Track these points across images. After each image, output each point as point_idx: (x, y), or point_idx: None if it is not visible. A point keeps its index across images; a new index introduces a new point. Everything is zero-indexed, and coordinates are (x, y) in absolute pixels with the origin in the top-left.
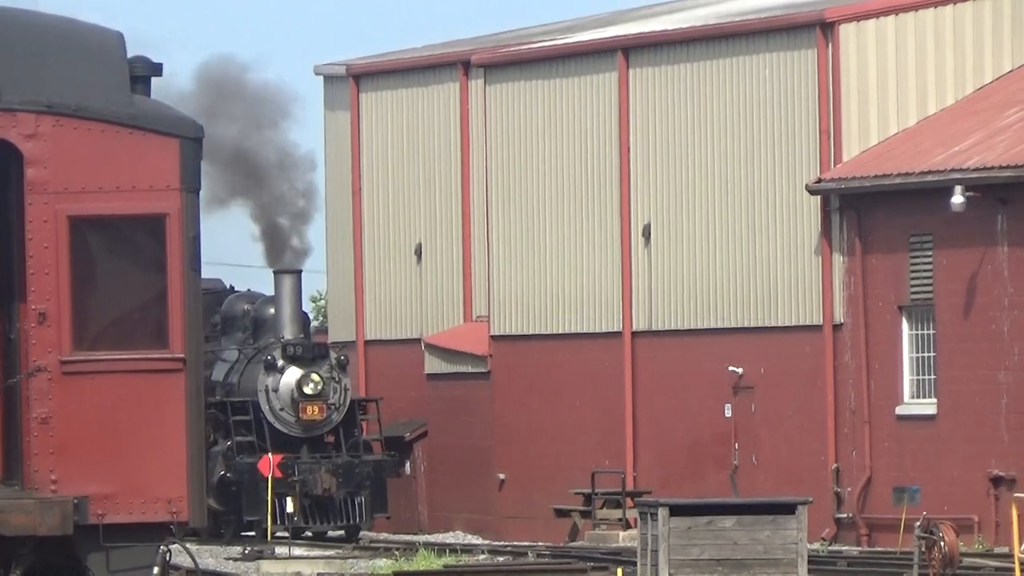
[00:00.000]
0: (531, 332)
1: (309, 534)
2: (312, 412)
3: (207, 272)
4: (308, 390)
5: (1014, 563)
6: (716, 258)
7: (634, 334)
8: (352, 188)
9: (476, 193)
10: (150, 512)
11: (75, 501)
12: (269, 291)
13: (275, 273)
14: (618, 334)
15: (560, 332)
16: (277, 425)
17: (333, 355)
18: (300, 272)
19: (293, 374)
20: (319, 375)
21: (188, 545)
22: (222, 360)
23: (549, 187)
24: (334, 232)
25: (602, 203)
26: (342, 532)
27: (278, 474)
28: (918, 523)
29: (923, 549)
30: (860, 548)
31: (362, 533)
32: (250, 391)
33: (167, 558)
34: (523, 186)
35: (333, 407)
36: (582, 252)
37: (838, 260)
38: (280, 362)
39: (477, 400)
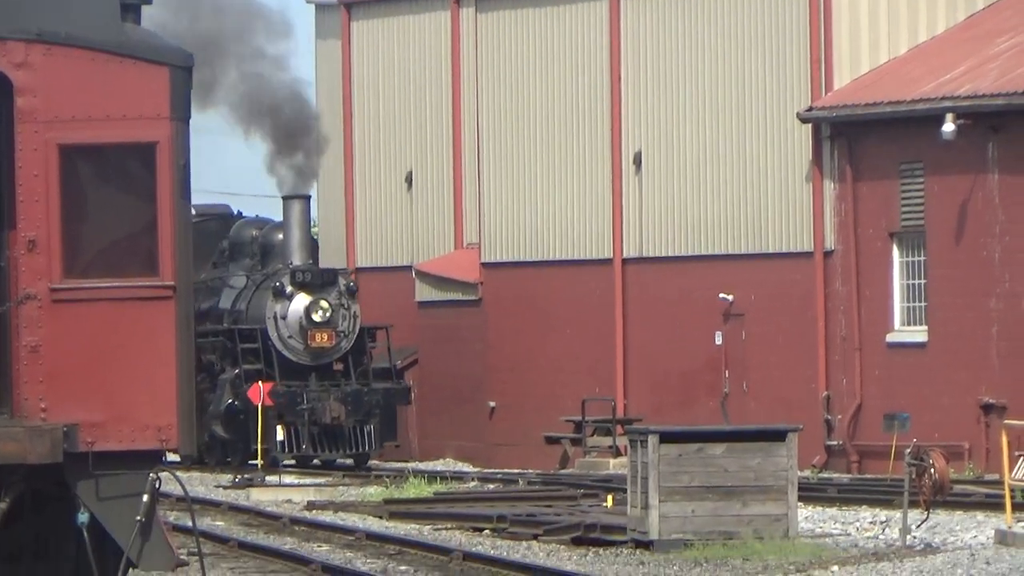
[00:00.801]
0: (522, 259)
1: (318, 462)
2: (321, 339)
3: (214, 200)
4: (317, 317)
5: (1004, 490)
6: (707, 186)
7: (624, 261)
8: (343, 116)
9: (467, 121)
10: (139, 440)
11: (65, 429)
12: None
13: (284, 199)
14: (609, 261)
15: (551, 259)
16: (285, 353)
17: (342, 281)
18: (309, 198)
19: (302, 301)
20: (328, 302)
21: (179, 473)
22: (229, 287)
23: (540, 115)
24: (325, 160)
25: (593, 131)
26: (351, 460)
27: (268, 402)
28: (908, 450)
29: (913, 476)
30: (850, 475)
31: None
32: (258, 318)
33: (157, 486)
34: (514, 114)
35: (342, 334)
36: (573, 179)
37: (829, 187)
38: (289, 288)
39: (468, 328)
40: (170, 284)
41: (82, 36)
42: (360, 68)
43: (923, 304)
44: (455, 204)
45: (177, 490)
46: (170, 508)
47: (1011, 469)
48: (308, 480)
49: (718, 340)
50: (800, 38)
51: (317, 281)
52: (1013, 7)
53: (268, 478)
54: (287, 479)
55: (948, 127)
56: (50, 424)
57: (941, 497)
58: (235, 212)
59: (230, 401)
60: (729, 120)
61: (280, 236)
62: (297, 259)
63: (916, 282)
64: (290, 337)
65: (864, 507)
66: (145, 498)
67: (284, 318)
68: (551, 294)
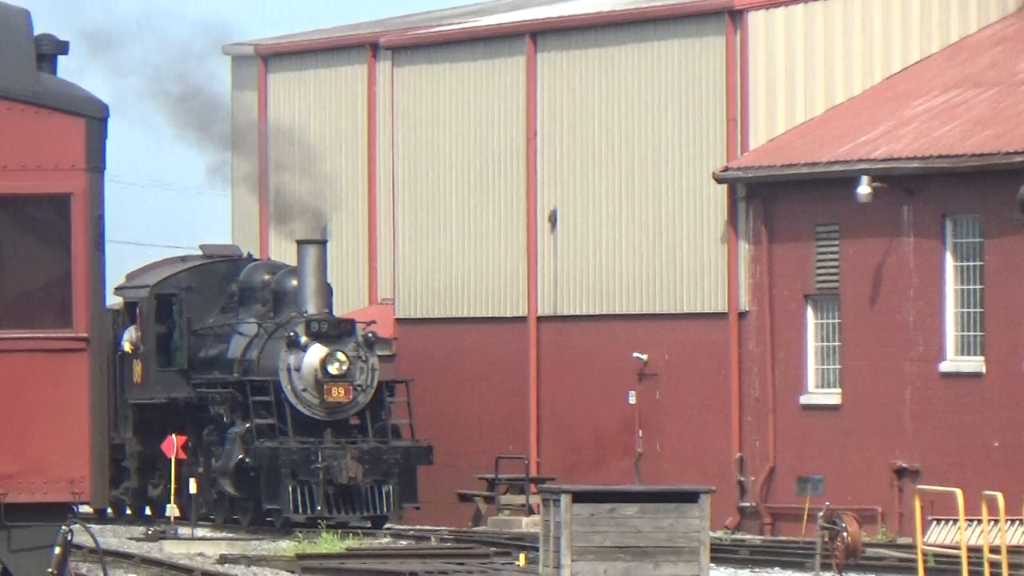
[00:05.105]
0: (437, 316)
1: (315, 519)
2: (337, 394)
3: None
4: (333, 370)
5: (917, 554)
6: (622, 244)
7: (539, 319)
8: (259, 168)
9: (382, 175)
10: (52, 492)
11: None
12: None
13: (298, 243)
14: (523, 319)
15: (466, 316)
16: (299, 407)
17: (360, 332)
18: (325, 243)
19: (317, 352)
20: (345, 354)
21: (92, 525)
22: (239, 334)
23: (456, 170)
24: (239, 213)
25: (509, 187)
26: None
27: (182, 455)
28: (821, 513)
29: (826, 539)
30: (763, 537)
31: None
32: (270, 369)
33: (69, 538)
34: (430, 169)
35: (359, 388)
36: (488, 236)
37: (744, 248)
38: (303, 339)
39: None
40: (84, 336)
41: None
42: (277, 120)
43: (837, 367)
44: (369, 259)
45: (89, 542)
46: (82, 559)
47: (923, 534)
48: (222, 534)
49: (632, 400)
50: (716, 98)
51: (333, 331)
52: (929, 70)
53: (181, 531)
54: (200, 532)
55: (863, 189)
56: None
57: (854, 560)
58: (244, 254)
59: (240, 457)
60: (645, 179)
61: (294, 282)
62: (312, 307)
63: (830, 344)
64: (304, 390)
65: (777, 569)
66: (57, 550)
67: (298, 370)
68: (465, 351)
